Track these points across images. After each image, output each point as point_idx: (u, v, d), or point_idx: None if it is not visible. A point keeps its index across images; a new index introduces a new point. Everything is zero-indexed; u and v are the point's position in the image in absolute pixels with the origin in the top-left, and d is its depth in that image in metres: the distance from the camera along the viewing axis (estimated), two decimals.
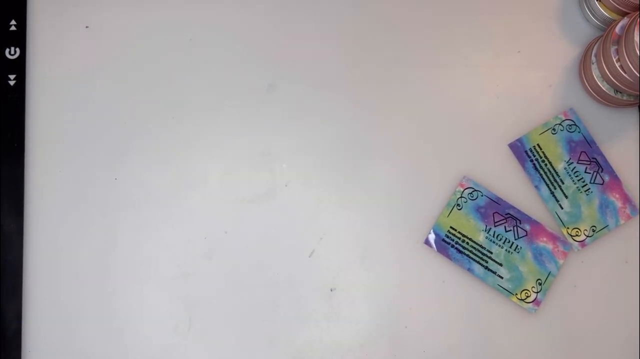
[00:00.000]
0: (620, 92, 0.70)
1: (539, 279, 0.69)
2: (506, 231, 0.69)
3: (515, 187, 0.71)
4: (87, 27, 0.72)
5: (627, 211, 0.70)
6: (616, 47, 0.67)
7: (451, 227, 0.69)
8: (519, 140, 0.72)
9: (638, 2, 0.69)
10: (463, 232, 0.69)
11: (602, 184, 0.71)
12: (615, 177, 0.71)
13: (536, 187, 0.71)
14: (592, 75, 0.70)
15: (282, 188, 0.70)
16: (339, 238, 0.70)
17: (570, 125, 0.72)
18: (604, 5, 0.72)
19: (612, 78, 0.68)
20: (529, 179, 0.71)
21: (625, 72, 0.66)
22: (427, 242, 0.69)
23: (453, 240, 0.69)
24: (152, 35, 0.73)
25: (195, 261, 0.69)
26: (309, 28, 0.74)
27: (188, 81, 0.72)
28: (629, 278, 0.70)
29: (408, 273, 0.69)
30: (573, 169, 0.71)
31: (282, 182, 0.71)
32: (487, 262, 0.69)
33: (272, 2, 0.74)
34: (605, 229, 0.70)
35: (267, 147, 0.71)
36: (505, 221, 0.70)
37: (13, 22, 0.72)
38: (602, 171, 0.71)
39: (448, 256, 0.69)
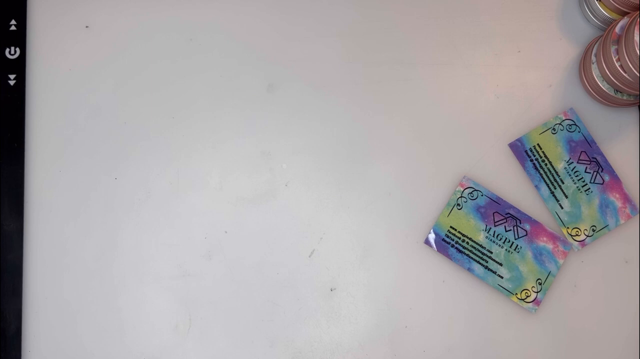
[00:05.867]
0: (620, 92, 0.70)
1: (539, 278, 0.69)
2: (506, 231, 0.69)
3: (515, 187, 0.71)
4: (87, 27, 0.73)
5: (627, 210, 0.70)
6: (616, 46, 0.67)
7: (451, 227, 0.69)
8: (519, 140, 0.72)
9: (638, 2, 0.69)
10: (463, 232, 0.69)
11: (602, 183, 0.71)
12: (615, 177, 0.71)
13: (536, 187, 0.71)
14: (592, 75, 0.70)
15: (282, 188, 0.71)
16: (339, 238, 0.70)
17: (570, 125, 0.72)
18: (604, 5, 0.72)
19: (612, 78, 0.68)
20: (529, 178, 0.71)
21: (625, 72, 0.66)
22: (427, 242, 0.69)
23: (453, 240, 0.69)
24: (152, 35, 0.73)
25: (195, 261, 0.69)
26: (309, 28, 0.74)
27: (188, 81, 0.72)
28: (629, 278, 0.70)
29: (408, 272, 0.69)
30: (573, 168, 0.71)
31: (282, 182, 0.71)
32: (487, 262, 0.69)
33: (273, 2, 0.74)
34: (605, 229, 0.70)
35: (267, 147, 0.71)
36: (505, 220, 0.70)
37: (13, 22, 0.72)
38: (602, 171, 0.71)
39: (448, 256, 0.69)
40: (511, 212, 0.70)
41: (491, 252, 0.69)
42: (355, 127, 0.72)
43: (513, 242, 0.69)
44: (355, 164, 0.71)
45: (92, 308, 0.68)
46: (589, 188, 0.71)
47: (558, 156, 0.71)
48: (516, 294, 0.68)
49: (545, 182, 0.71)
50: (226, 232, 0.69)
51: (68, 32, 0.72)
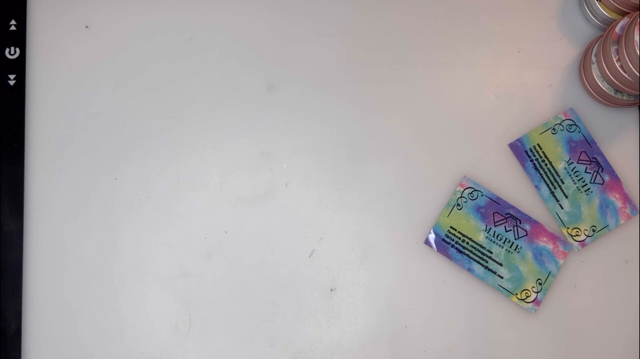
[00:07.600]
0: (620, 92, 0.70)
1: (539, 279, 0.69)
2: (506, 231, 0.69)
3: (516, 187, 0.71)
4: (87, 27, 0.72)
5: (627, 211, 0.70)
6: (616, 47, 0.67)
7: (451, 227, 0.69)
8: (519, 140, 0.72)
9: (638, 2, 0.69)
10: (463, 232, 0.69)
11: (602, 184, 0.71)
12: (615, 177, 0.71)
13: (536, 187, 0.71)
14: (592, 75, 0.70)
15: (282, 188, 0.71)
16: (339, 238, 0.70)
17: (570, 125, 0.72)
18: (604, 5, 0.72)
19: (612, 78, 0.68)
20: (529, 179, 0.71)
21: (625, 72, 0.66)
22: (427, 242, 0.69)
23: (453, 240, 0.69)
24: (152, 35, 0.73)
25: (195, 261, 0.69)
26: (309, 28, 0.74)
27: (188, 81, 0.72)
28: (629, 278, 0.70)
29: (408, 272, 0.69)
30: (573, 169, 0.71)
31: (282, 182, 0.71)
32: (487, 262, 0.69)
33: (273, 2, 0.74)
34: (605, 229, 0.70)
35: (267, 147, 0.71)
36: (505, 220, 0.70)
37: (13, 22, 0.72)
38: (602, 171, 0.71)
39: (448, 256, 0.69)
40: (511, 212, 0.70)
41: (491, 253, 0.69)
42: (355, 127, 0.72)
43: (513, 243, 0.69)
44: (355, 164, 0.71)
45: (92, 308, 0.68)
46: (589, 188, 0.71)
47: (558, 156, 0.71)
48: (516, 294, 0.68)
49: (545, 183, 0.71)
50: (226, 232, 0.69)
51: (68, 32, 0.72)
